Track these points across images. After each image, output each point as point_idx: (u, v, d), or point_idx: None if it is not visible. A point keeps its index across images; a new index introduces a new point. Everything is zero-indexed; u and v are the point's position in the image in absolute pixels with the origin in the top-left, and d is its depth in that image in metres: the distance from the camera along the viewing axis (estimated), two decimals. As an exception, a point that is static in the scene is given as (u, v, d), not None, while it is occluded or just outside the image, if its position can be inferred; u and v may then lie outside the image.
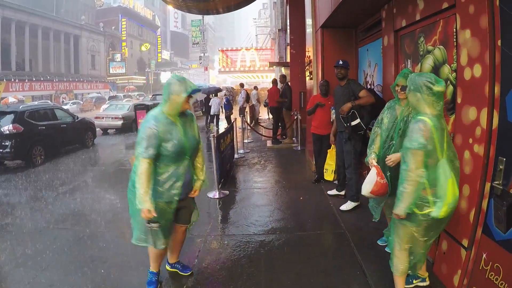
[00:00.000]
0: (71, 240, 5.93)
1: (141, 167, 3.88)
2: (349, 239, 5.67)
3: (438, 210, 3.37)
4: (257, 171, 10.50)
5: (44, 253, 5.46)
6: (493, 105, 3.44)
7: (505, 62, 3.27)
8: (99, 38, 71.50)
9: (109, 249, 5.56)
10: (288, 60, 18.87)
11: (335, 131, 7.29)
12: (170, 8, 50.28)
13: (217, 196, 7.93)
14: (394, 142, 4.57)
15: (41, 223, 6.73)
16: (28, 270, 4.98)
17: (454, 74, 4.21)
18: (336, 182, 8.01)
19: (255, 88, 26.56)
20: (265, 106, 23.44)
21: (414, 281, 4.25)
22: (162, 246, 4.26)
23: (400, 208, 3.46)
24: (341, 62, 6.67)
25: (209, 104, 21.04)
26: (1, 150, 11.68)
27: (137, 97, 53.66)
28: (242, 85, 23.40)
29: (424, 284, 4.18)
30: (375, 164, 4.59)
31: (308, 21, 10.73)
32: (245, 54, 45.69)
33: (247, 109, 21.25)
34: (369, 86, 8.11)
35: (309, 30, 10.70)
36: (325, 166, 8.47)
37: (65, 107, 26.73)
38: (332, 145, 7.77)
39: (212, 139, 8.06)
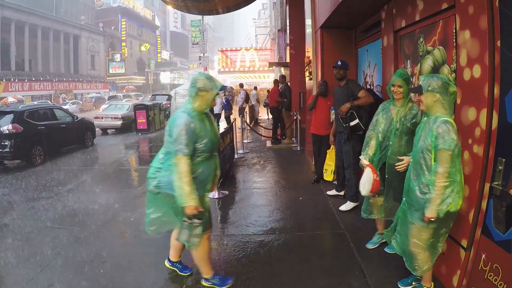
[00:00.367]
0: (70, 240, 5.93)
1: (183, 164, 3.85)
2: (349, 239, 5.67)
3: (456, 205, 3.46)
4: (256, 171, 10.50)
5: (43, 253, 5.47)
6: (492, 105, 3.44)
7: (504, 63, 3.27)
8: (98, 38, 71.50)
9: (108, 249, 5.56)
10: (288, 60, 18.88)
11: (334, 131, 7.30)
12: (169, 8, 50.27)
13: (216, 196, 7.93)
14: (390, 143, 4.66)
15: (40, 223, 6.74)
16: (27, 270, 4.99)
17: (453, 74, 4.20)
18: (335, 182, 8.01)
19: (255, 88, 26.56)
20: (264, 106, 23.44)
21: (413, 283, 4.25)
22: (197, 243, 4.20)
23: (433, 210, 3.45)
24: (339, 63, 6.67)
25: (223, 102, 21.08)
26: (1, 150, 11.71)
27: (136, 97, 53.63)
28: (241, 85, 23.35)
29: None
30: (368, 163, 4.68)
31: (308, 22, 10.73)
32: (244, 54, 45.63)
33: (247, 109, 21.25)
34: (368, 87, 8.11)
35: (308, 30, 10.70)
36: (325, 167, 8.47)
37: (64, 107, 26.68)
38: (332, 145, 7.77)
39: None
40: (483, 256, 3.54)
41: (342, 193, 7.53)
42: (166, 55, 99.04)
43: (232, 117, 16.75)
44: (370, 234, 5.49)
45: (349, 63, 7.07)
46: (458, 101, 3.91)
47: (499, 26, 3.29)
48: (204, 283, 4.51)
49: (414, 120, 4.55)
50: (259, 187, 8.82)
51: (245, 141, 15.03)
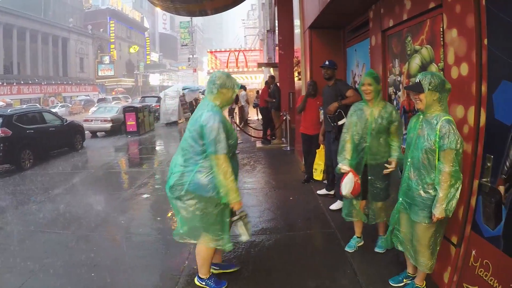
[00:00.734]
0: (61, 244, 5.89)
1: (226, 162, 3.90)
2: (339, 238, 5.69)
3: (457, 199, 3.47)
4: (246, 171, 10.48)
5: (34, 258, 5.41)
6: (480, 103, 3.47)
7: (491, 61, 3.29)
8: (87, 40, 71.11)
9: (99, 252, 5.52)
10: (277, 60, 18.89)
11: (323, 131, 7.32)
12: (158, 10, 50.28)
13: (207, 197, 7.87)
14: (367, 144, 4.68)
15: (30, 227, 6.68)
16: (17, 275, 4.94)
17: (441, 73, 4.23)
18: (325, 181, 8.04)
19: (244, 89, 26.55)
20: (254, 107, 23.43)
21: (404, 280, 4.27)
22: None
23: (442, 210, 3.45)
24: (327, 63, 6.71)
25: None
26: (-11, 154, 11.57)
27: (125, 99, 53.43)
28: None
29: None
30: (348, 168, 4.69)
31: (296, 22, 10.75)
32: (233, 55, 45.63)
33: (236, 110, 21.25)
34: (357, 86, 8.13)
35: (297, 31, 10.72)
36: (314, 166, 8.49)
37: (53, 110, 26.54)
38: (321, 145, 7.79)
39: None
40: (473, 252, 3.57)
41: (332, 192, 7.54)
42: (155, 57, 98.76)
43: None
44: (361, 232, 5.52)
45: (337, 63, 7.10)
46: (447, 99, 3.94)
47: (486, 24, 3.32)
48: (198, 282, 4.46)
49: (390, 119, 4.60)
50: (249, 188, 8.82)
51: (235, 142, 14.94)
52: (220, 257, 4.87)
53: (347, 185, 4.59)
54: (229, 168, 3.89)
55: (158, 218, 6.97)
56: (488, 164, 3.36)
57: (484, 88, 3.40)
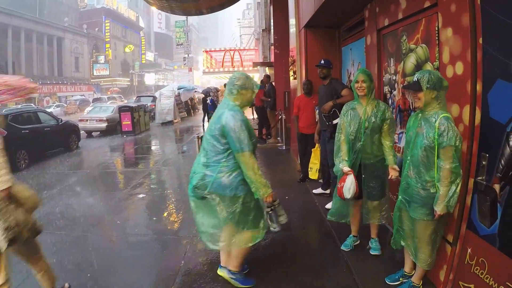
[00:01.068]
0: (57, 244, 5.88)
1: (252, 159, 3.98)
2: (335, 237, 5.70)
3: (458, 195, 3.48)
4: (242, 171, 10.43)
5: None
6: (475, 102, 3.48)
7: (486, 60, 3.31)
8: (82, 40, 70.84)
9: (94, 252, 5.51)
10: (272, 60, 18.89)
11: (319, 130, 7.32)
12: (154, 9, 50.13)
13: (202, 197, 7.87)
14: (361, 143, 4.64)
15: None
16: (13, 275, 4.91)
17: (437, 71, 4.24)
18: (321, 181, 8.05)
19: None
20: (249, 106, 23.42)
21: (400, 279, 4.28)
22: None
23: (444, 207, 3.48)
24: (322, 62, 6.72)
25: (207, 103, 21.07)
26: (-16, 154, 11.49)
27: (120, 99, 53.34)
28: (225, 85, 23.37)
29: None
30: (349, 169, 4.65)
31: (292, 21, 10.76)
32: (229, 54, 45.58)
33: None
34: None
35: (292, 30, 10.73)
36: (310, 165, 8.50)
37: (48, 110, 26.49)
38: (317, 144, 7.80)
39: (196, 140, 8.05)
40: (469, 250, 3.59)
41: (327, 191, 7.56)
42: (151, 56, 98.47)
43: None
44: (357, 231, 5.52)
45: (333, 62, 7.11)
46: (442, 98, 3.95)
47: (481, 23, 3.33)
48: (227, 275, 4.54)
49: (383, 117, 4.59)
50: (245, 187, 8.77)
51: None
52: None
53: (351, 189, 4.55)
54: (256, 164, 3.98)
55: (154, 218, 6.96)
56: (484, 163, 3.38)
57: (479, 87, 3.41)
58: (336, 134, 4.90)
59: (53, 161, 13.77)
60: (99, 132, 21.50)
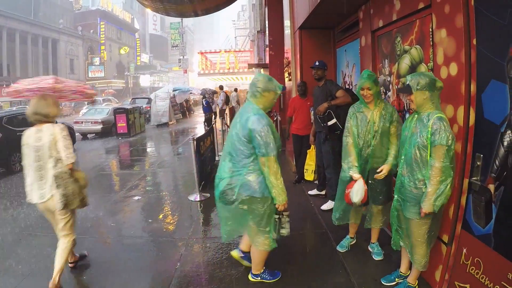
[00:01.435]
0: (53, 247, 5.83)
1: (275, 164, 3.99)
2: (331, 238, 5.71)
3: (448, 197, 3.51)
4: (238, 172, 10.44)
5: (25, 261, 5.39)
6: (469, 102, 3.50)
7: (480, 61, 3.33)
8: (77, 41, 70.72)
9: (90, 254, 5.48)
10: (267, 61, 18.89)
11: (314, 131, 7.33)
12: (148, 11, 49.99)
13: (198, 199, 7.92)
14: (372, 147, 4.56)
15: (21, 231, 6.62)
16: (9, 278, 4.91)
17: (430, 72, 4.25)
18: (316, 182, 8.06)
19: (235, 90, 26.56)
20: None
21: (396, 279, 4.29)
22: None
23: (430, 205, 3.49)
24: (317, 63, 6.73)
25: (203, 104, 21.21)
26: (-21, 158, 11.47)
27: (115, 101, 53.26)
28: (221, 87, 23.36)
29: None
30: (359, 176, 4.54)
31: (287, 23, 10.78)
32: (224, 56, 45.57)
33: (227, 111, 21.26)
34: (347, 86, 8.16)
35: (287, 31, 10.75)
36: (305, 166, 8.50)
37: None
38: (312, 145, 7.80)
39: (191, 141, 8.05)
40: (464, 250, 3.60)
41: (323, 192, 7.57)
42: (146, 58, 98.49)
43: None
44: (352, 232, 5.53)
45: (328, 63, 7.13)
46: (436, 99, 3.96)
47: (475, 24, 3.35)
48: (252, 278, 4.61)
49: (391, 119, 4.52)
50: (241, 189, 8.76)
51: (226, 143, 14.92)
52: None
53: (359, 192, 4.45)
54: (279, 170, 4.00)
55: (150, 220, 6.95)
56: (478, 163, 3.40)
57: (473, 88, 3.43)
58: (344, 137, 4.77)
59: (48, 164, 13.64)
60: (94, 134, 21.40)
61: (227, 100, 21.68)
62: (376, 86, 4.48)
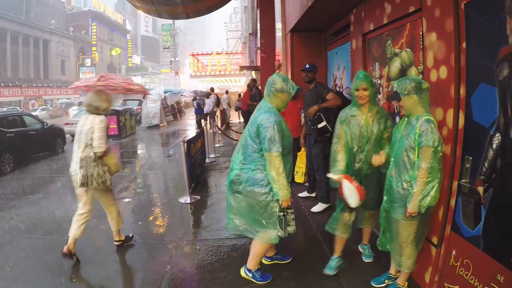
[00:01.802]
0: (42, 249, 5.83)
1: (280, 160, 4.04)
2: (321, 240, 5.71)
3: (435, 199, 3.52)
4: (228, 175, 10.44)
5: (16, 263, 5.34)
6: (458, 105, 3.53)
7: (470, 64, 3.35)
8: (69, 42, 70.30)
9: (80, 257, 5.44)
10: (259, 64, 18.93)
11: (304, 134, 7.33)
12: (140, 12, 49.87)
13: (188, 201, 7.90)
14: (365, 153, 4.37)
15: (11, 233, 6.58)
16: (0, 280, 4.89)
17: (420, 76, 4.28)
18: (306, 184, 8.06)
19: (226, 92, 26.57)
20: (236, 110, 23.46)
21: (386, 281, 4.31)
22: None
23: (415, 205, 3.51)
24: (307, 66, 6.72)
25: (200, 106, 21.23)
26: (-31, 159, 11.38)
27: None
28: (212, 89, 23.35)
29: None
30: (340, 175, 4.34)
31: (278, 25, 10.82)
32: (216, 58, 45.59)
33: (218, 113, 21.26)
34: (338, 89, 8.19)
35: (279, 34, 10.79)
36: (295, 169, 8.50)
37: (34, 113, 26.25)
38: (302, 147, 7.81)
39: (181, 143, 8.04)
40: (454, 252, 3.62)
41: (313, 194, 7.58)
42: (137, 60, 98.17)
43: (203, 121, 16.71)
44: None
45: (318, 66, 7.14)
46: (426, 102, 3.98)
47: (465, 28, 3.38)
48: (244, 274, 4.66)
49: (385, 125, 4.34)
50: (232, 191, 8.75)
51: (216, 145, 14.92)
52: (272, 250, 5.07)
53: (352, 196, 4.21)
54: (282, 166, 4.03)
55: (140, 223, 6.92)
56: (467, 166, 3.42)
57: (462, 91, 3.46)
58: (333, 143, 4.57)
59: (38, 165, 13.61)
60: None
61: (217, 102, 21.66)
62: (372, 88, 4.27)
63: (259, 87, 15.19)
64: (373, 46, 5.93)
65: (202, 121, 20.62)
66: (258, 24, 18.67)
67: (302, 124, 7.83)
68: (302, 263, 5.07)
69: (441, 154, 3.45)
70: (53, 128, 16.23)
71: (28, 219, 7.18)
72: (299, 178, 8.40)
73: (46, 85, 60.71)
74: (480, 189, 3.27)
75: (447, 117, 3.68)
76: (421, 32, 4.30)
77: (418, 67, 4.46)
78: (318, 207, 6.88)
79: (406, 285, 4.08)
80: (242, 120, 18.53)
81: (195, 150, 9.60)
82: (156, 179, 10.92)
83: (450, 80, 3.59)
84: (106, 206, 5.73)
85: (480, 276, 3.23)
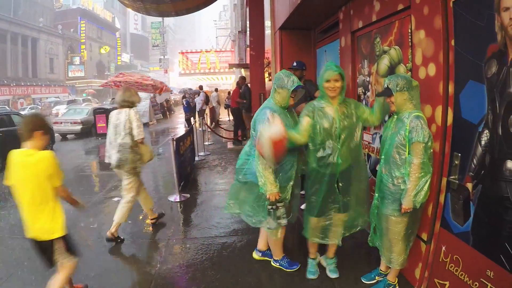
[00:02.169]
0: (32, 250, 5.78)
1: None
2: (311, 238, 5.71)
3: (427, 195, 3.56)
4: (217, 173, 10.48)
5: (4, 264, 5.32)
6: (447, 102, 3.54)
7: (458, 61, 3.37)
8: (57, 40, 69.68)
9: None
10: (248, 61, 18.90)
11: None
12: (130, 10, 49.69)
13: (177, 200, 7.91)
14: (338, 146, 4.03)
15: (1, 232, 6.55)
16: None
17: (409, 73, 4.29)
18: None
19: (216, 90, 26.53)
20: (225, 108, 23.43)
21: (376, 278, 4.32)
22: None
23: (410, 201, 3.53)
24: (295, 64, 6.74)
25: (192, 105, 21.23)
26: (-45, 158, 11.27)
27: (96, 100, 52.79)
28: (201, 87, 23.27)
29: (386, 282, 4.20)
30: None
31: (267, 23, 10.83)
32: (205, 56, 45.51)
33: (207, 111, 21.21)
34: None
35: (268, 32, 10.80)
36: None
37: (22, 112, 26.04)
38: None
39: (171, 142, 8.02)
40: (443, 248, 3.65)
41: (302, 192, 7.57)
42: (127, 58, 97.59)
43: (192, 119, 16.67)
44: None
45: (307, 64, 7.15)
46: (415, 99, 4.00)
47: (453, 25, 3.39)
48: (273, 264, 4.91)
49: (357, 113, 4.09)
50: (221, 189, 8.79)
51: (205, 143, 14.87)
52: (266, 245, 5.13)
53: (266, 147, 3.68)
54: None
55: (129, 222, 6.87)
56: (456, 162, 3.44)
57: (451, 88, 3.48)
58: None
59: (26, 164, 13.47)
60: (73, 135, 21.16)
61: (206, 100, 21.61)
62: (343, 80, 3.99)
63: (249, 84, 15.14)
64: (362, 44, 5.94)
65: (192, 119, 20.55)
66: (248, 22, 18.62)
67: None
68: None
69: (431, 150, 3.48)
70: (42, 127, 15.98)
71: (17, 220, 7.08)
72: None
73: (34, 84, 60.15)
74: (469, 185, 3.29)
75: (435, 114, 3.70)
76: (409, 30, 4.31)
77: (407, 65, 4.47)
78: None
79: (396, 282, 4.10)
80: (231, 118, 18.48)
81: (185, 148, 9.58)
82: (146, 178, 10.81)
83: (439, 77, 3.61)
84: (126, 191, 6.14)
85: (470, 272, 3.26)
